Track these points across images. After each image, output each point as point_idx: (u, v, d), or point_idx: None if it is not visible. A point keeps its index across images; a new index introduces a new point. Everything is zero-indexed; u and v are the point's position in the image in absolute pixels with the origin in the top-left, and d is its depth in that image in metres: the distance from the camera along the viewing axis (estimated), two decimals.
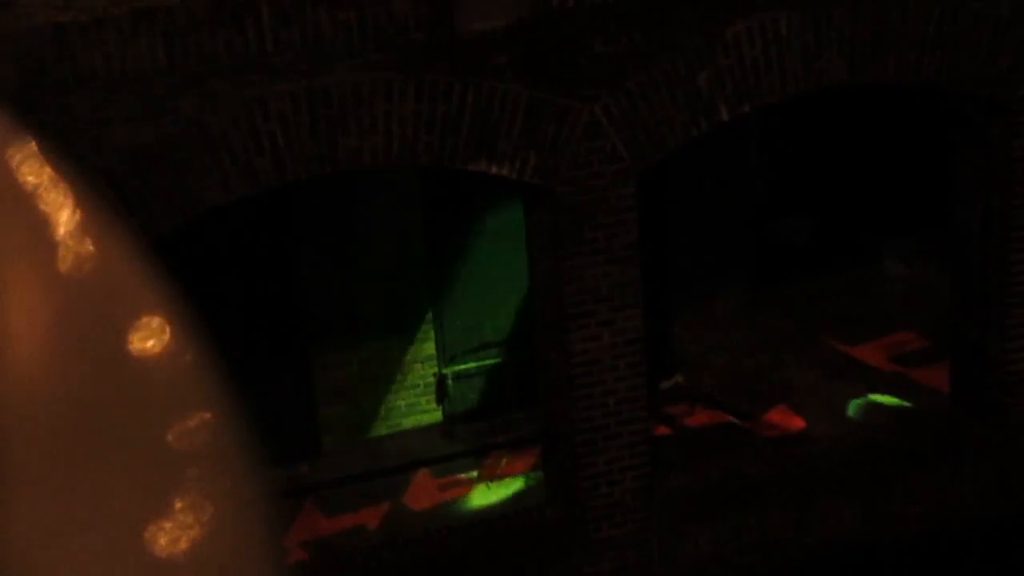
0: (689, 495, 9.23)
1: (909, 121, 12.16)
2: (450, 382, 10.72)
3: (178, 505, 0.61)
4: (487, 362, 10.81)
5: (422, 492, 9.99)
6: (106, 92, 7.23)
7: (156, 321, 0.65)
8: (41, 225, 0.65)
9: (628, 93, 8.19)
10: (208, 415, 0.64)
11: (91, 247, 0.65)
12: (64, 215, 0.65)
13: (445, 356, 10.70)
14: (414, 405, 10.63)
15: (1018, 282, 9.36)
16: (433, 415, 10.71)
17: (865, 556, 9.32)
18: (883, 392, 10.69)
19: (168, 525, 0.60)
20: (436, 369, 10.70)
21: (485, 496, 9.99)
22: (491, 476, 10.17)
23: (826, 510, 9.35)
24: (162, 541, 0.60)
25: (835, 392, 10.83)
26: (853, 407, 10.54)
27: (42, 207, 0.65)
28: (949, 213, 9.83)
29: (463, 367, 10.77)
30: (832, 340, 11.60)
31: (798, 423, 10.66)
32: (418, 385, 10.61)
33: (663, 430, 10.52)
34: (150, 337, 0.64)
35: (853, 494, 9.42)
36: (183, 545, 0.60)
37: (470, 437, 10.59)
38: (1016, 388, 9.56)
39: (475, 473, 10.21)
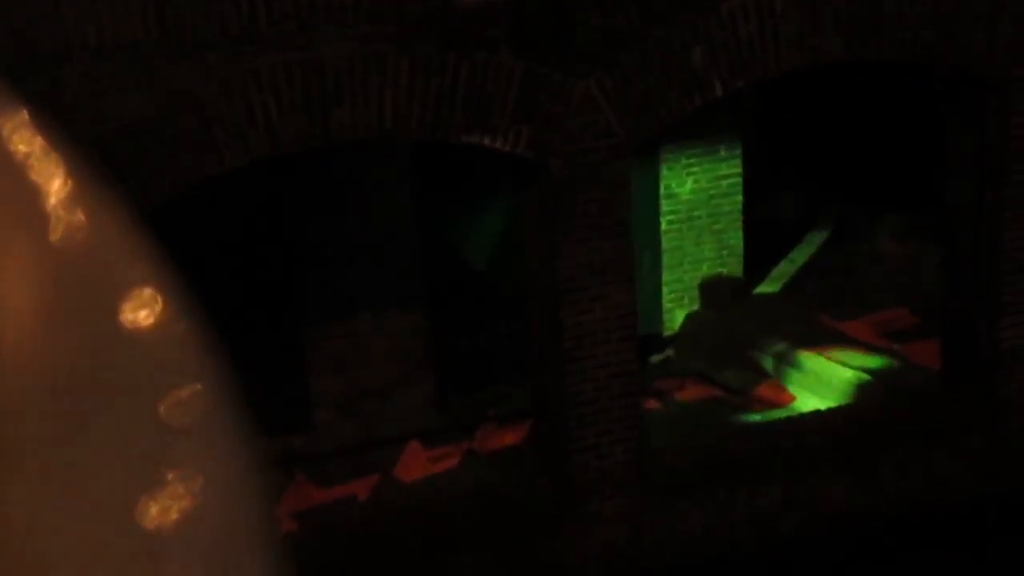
0: (679, 469, 9.25)
1: (902, 98, 12.15)
2: (442, 354, 10.72)
3: (169, 477, 0.61)
4: (479, 335, 10.81)
5: (413, 464, 10.01)
6: (99, 62, 7.20)
7: (148, 292, 0.65)
8: (32, 195, 0.65)
9: (622, 68, 8.17)
10: (200, 387, 0.64)
11: (83, 217, 0.64)
12: (55, 185, 0.65)
13: (437, 328, 10.70)
14: (406, 377, 10.63)
15: (1009, 259, 9.38)
16: (425, 387, 10.71)
17: (855, 532, 9.36)
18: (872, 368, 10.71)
19: (160, 497, 0.60)
20: (428, 341, 10.70)
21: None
22: (482, 448, 10.19)
23: (816, 485, 9.38)
24: (153, 513, 0.60)
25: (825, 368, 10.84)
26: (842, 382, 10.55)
27: (33, 177, 0.65)
28: (941, 190, 9.84)
29: (455, 340, 10.77)
30: (823, 316, 11.61)
31: (788, 398, 10.69)
32: (410, 357, 10.60)
33: (653, 404, 10.55)
34: (142, 308, 0.64)
35: (843, 470, 9.45)
36: (174, 517, 0.60)
37: (462, 409, 10.60)
38: (1006, 365, 9.59)
39: (466, 445, 10.23)
